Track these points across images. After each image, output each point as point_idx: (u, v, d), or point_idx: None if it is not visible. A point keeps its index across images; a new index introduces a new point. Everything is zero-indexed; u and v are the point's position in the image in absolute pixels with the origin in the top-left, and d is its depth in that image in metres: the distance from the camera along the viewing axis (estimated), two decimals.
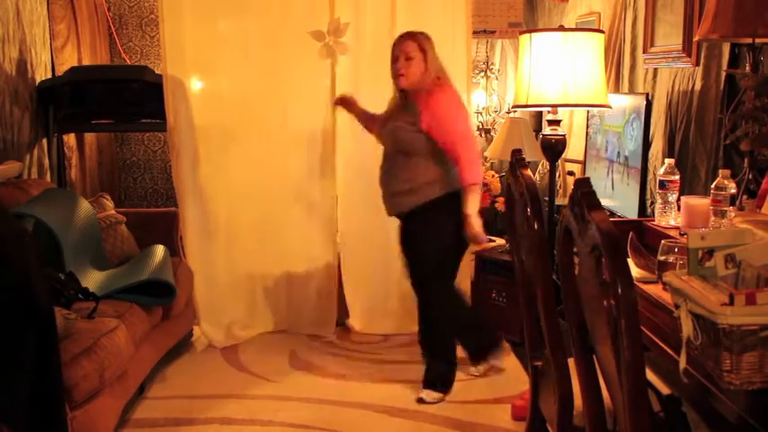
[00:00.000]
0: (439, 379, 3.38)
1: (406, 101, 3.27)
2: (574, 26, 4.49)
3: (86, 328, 2.74)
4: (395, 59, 3.25)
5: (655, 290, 2.12)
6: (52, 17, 4.26)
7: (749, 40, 2.55)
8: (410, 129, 3.21)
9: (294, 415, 3.20)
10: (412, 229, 3.35)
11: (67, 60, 4.43)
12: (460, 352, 3.54)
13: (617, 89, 3.97)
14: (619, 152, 3.55)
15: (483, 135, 5.26)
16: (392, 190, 3.32)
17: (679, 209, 2.62)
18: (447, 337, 3.48)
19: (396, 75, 3.25)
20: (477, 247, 3.65)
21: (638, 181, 3.27)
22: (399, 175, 3.28)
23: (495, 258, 4.25)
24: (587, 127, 4.16)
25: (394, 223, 4.20)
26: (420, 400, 3.32)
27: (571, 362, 1.90)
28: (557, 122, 3.67)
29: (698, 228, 2.41)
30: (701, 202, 2.50)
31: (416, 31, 3.30)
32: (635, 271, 2.26)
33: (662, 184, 2.69)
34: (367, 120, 3.58)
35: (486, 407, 3.28)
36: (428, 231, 3.30)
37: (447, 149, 3.19)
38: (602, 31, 3.73)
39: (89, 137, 4.74)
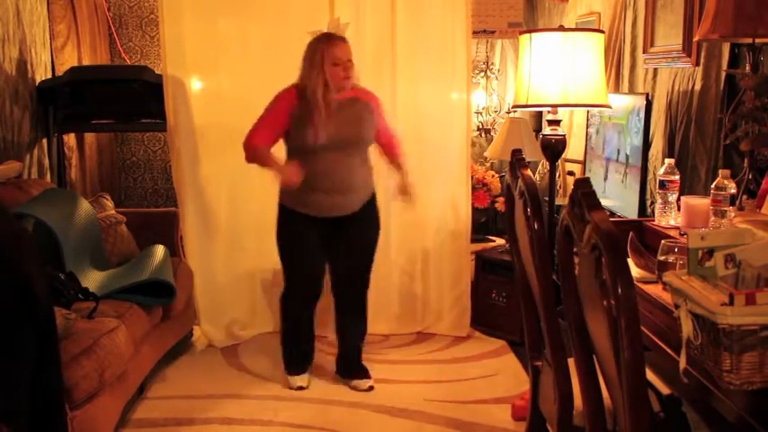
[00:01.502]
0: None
1: (348, 101, 3.34)
2: (574, 26, 4.48)
3: (86, 328, 2.74)
4: (341, 64, 3.27)
5: (655, 290, 2.12)
6: (52, 17, 4.26)
7: (749, 40, 2.55)
8: (371, 127, 3.39)
9: (294, 415, 3.20)
10: (361, 224, 3.45)
11: (67, 60, 4.43)
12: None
13: (617, 89, 3.97)
14: (618, 150, 3.54)
15: (483, 135, 5.26)
16: (351, 186, 3.36)
17: (679, 209, 2.62)
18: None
19: (343, 78, 3.29)
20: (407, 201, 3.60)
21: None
22: (357, 171, 3.37)
23: (495, 258, 4.25)
24: (587, 127, 4.16)
25: (394, 223, 4.23)
26: (371, 388, 3.49)
27: (571, 362, 1.90)
28: (557, 122, 3.67)
29: (698, 228, 2.41)
30: (700, 202, 2.50)
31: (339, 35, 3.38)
32: (635, 271, 2.26)
33: (662, 184, 2.69)
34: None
35: (486, 407, 3.28)
36: (374, 225, 3.52)
37: (387, 139, 3.51)
38: (602, 31, 3.73)
39: (89, 137, 4.73)
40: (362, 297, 3.59)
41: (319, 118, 3.25)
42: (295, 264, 3.47)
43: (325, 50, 3.26)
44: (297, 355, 3.59)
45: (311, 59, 3.28)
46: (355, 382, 3.52)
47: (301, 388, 3.48)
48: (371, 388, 3.49)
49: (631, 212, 3.29)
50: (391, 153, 3.51)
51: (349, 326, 3.61)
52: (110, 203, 3.85)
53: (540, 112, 4.85)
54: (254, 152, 3.30)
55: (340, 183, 3.33)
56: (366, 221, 3.47)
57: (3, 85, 3.67)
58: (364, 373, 3.56)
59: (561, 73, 3.44)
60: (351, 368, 3.59)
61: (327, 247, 3.46)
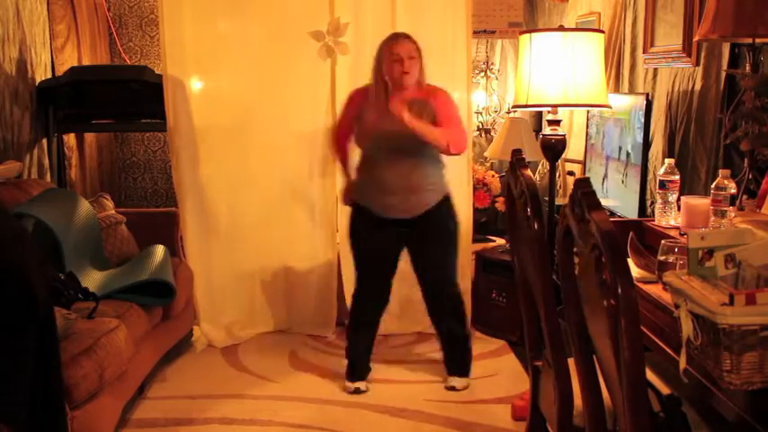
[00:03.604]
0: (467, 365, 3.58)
1: (411, 101, 3.24)
2: (574, 26, 4.48)
3: (86, 328, 2.74)
4: (398, 60, 3.25)
5: (655, 290, 2.12)
6: (52, 17, 4.25)
7: (749, 40, 2.55)
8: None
9: (294, 415, 3.20)
10: (432, 227, 3.37)
11: (67, 60, 4.43)
12: None
13: (617, 89, 3.97)
14: (620, 147, 3.53)
15: (483, 135, 5.26)
16: (415, 186, 3.28)
17: (679, 209, 2.62)
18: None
19: (401, 74, 3.25)
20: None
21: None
22: (421, 171, 3.29)
23: (495, 258, 4.25)
24: (587, 127, 4.16)
25: None
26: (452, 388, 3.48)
27: (571, 362, 1.90)
28: (557, 122, 3.67)
29: (698, 228, 2.41)
30: (701, 202, 2.50)
31: (406, 33, 3.38)
32: (635, 271, 2.26)
33: (662, 184, 2.69)
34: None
35: (486, 407, 3.28)
36: (450, 228, 3.42)
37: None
38: (602, 31, 3.73)
39: (89, 137, 4.73)
40: (450, 296, 3.52)
41: (379, 108, 3.26)
42: (362, 261, 3.50)
43: (385, 47, 3.30)
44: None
45: (377, 57, 3.34)
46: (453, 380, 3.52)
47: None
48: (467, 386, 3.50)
49: (631, 212, 3.29)
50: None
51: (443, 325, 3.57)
52: (110, 203, 3.85)
53: (540, 112, 4.85)
54: (335, 146, 3.57)
55: (395, 183, 3.26)
56: (434, 222, 3.37)
57: (3, 85, 3.67)
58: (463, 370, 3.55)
59: (561, 73, 3.44)
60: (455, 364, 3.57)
61: (401, 249, 3.46)
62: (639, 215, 3.20)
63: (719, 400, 1.66)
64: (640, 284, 2.15)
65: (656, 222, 2.72)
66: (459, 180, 4.20)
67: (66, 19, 4.43)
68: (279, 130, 4.13)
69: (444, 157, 3.38)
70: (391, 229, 3.36)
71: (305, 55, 4.01)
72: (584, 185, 1.52)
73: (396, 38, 3.33)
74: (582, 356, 1.73)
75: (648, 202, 3.40)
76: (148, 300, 3.31)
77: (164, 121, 4.03)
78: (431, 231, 3.38)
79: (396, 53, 3.26)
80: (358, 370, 3.50)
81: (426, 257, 3.45)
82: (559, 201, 4.12)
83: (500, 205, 4.76)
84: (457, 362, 3.54)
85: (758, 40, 2.53)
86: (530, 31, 3.61)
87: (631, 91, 3.81)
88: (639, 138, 3.26)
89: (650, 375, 2.13)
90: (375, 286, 3.51)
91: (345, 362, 3.53)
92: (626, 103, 3.49)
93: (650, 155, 3.43)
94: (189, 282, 3.90)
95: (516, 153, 2.29)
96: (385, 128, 3.24)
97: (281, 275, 4.26)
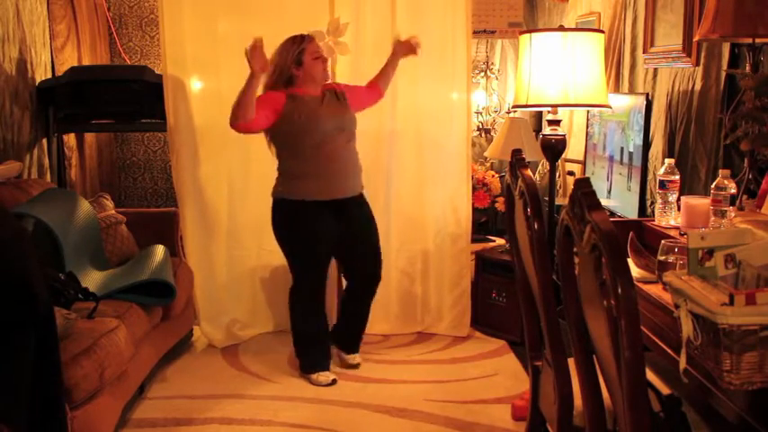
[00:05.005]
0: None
1: (332, 93, 3.55)
2: (574, 26, 4.48)
3: (86, 328, 2.74)
4: (321, 57, 3.49)
5: (655, 290, 2.12)
6: (52, 17, 4.26)
7: (749, 40, 2.55)
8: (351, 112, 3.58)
9: (294, 415, 3.20)
10: (364, 211, 3.63)
11: (67, 60, 4.43)
12: None
13: (617, 89, 3.97)
14: (622, 148, 3.53)
15: (483, 135, 5.26)
16: (353, 171, 3.55)
17: (679, 209, 2.62)
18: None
19: (324, 70, 3.51)
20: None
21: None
22: (355, 158, 3.57)
23: (495, 258, 4.25)
24: (587, 127, 4.16)
25: (394, 224, 4.23)
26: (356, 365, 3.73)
27: (571, 362, 1.90)
28: (557, 122, 3.67)
29: (698, 228, 2.41)
30: (701, 202, 2.50)
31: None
32: (635, 271, 2.27)
33: (662, 184, 2.69)
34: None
35: (486, 407, 3.28)
36: (371, 214, 3.69)
37: (368, 87, 3.76)
38: (602, 31, 3.73)
39: (89, 137, 4.73)
40: (377, 277, 3.76)
41: (312, 99, 3.45)
42: (310, 254, 3.58)
43: (308, 45, 3.46)
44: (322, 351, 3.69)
45: (293, 56, 3.45)
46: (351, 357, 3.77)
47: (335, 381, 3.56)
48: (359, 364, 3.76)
49: (631, 212, 3.29)
50: (376, 80, 3.76)
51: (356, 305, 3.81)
52: (110, 203, 3.85)
53: (540, 112, 4.85)
54: (246, 126, 3.42)
55: (346, 167, 3.50)
56: (365, 213, 3.64)
57: (3, 85, 3.67)
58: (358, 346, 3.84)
59: (561, 73, 3.45)
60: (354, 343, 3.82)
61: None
62: (639, 215, 3.20)
63: (719, 400, 1.66)
64: (640, 284, 2.15)
65: (656, 222, 2.72)
66: (458, 180, 4.22)
67: (67, 19, 4.43)
68: None
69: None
70: (331, 209, 3.50)
71: None
72: (584, 185, 1.52)
73: (311, 38, 3.49)
74: (582, 356, 1.74)
75: (648, 202, 3.40)
76: (148, 300, 3.31)
77: (164, 121, 4.03)
78: (364, 213, 3.63)
79: (318, 52, 3.47)
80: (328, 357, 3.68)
81: (366, 241, 3.64)
82: (559, 201, 4.12)
83: (500, 205, 4.76)
84: (356, 340, 3.81)
85: (758, 40, 2.53)
86: (530, 31, 3.61)
87: (631, 91, 3.82)
88: (639, 138, 3.26)
89: (650, 375, 2.13)
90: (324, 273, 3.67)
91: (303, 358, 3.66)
92: (626, 104, 3.49)
93: (650, 155, 3.44)
94: (189, 282, 3.90)
95: (516, 153, 2.29)
96: (330, 114, 3.46)
97: (281, 275, 4.25)
